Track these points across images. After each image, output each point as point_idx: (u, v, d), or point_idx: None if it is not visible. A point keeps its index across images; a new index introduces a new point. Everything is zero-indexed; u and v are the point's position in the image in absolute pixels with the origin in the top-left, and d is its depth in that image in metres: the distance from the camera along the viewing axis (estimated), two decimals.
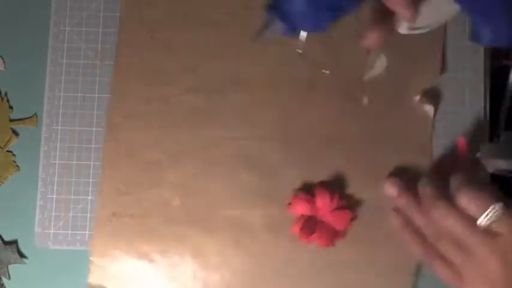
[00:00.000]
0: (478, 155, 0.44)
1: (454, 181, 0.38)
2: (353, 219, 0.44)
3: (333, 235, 0.43)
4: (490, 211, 0.36)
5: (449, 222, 0.37)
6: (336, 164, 0.45)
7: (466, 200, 0.37)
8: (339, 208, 0.43)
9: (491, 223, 0.36)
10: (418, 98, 0.46)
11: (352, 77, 0.46)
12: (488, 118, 0.46)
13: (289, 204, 0.44)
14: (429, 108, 0.46)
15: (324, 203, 0.43)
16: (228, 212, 0.45)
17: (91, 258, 0.45)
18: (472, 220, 0.36)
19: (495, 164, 0.43)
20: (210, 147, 0.46)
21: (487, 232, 0.36)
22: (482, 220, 0.36)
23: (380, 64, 0.46)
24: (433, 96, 0.46)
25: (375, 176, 0.45)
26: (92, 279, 0.45)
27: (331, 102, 0.46)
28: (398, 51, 0.46)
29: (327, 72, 0.45)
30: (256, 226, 0.45)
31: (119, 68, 0.46)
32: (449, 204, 0.38)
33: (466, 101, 0.46)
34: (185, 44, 0.47)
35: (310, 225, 0.43)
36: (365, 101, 0.46)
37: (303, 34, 0.37)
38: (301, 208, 0.43)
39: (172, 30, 0.47)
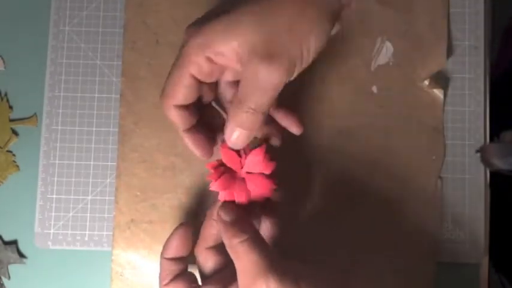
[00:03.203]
0: (478, 154, 0.44)
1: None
2: (274, 190, 0.39)
3: (248, 197, 0.38)
4: None
5: None
6: (349, 155, 0.45)
7: None
8: (264, 175, 0.38)
9: None
10: (426, 83, 0.46)
11: (360, 66, 0.46)
12: (488, 118, 0.46)
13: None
14: (439, 92, 0.46)
15: (254, 163, 0.38)
16: None
17: (112, 266, 0.45)
18: None
19: (495, 164, 0.43)
20: None
21: None
22: None
23: (386, 51, 0.46)
24: (441, 80, 0.46)
25: (391, 164, 0.45)
26: (114, 287, 0.45)
27: (340, 95, 0.46)
28: (404, 36, 0.46)
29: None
30: None
31: (127, 75, 0.46)
32: None
33: (466, 101, 0.46)
34: None
35: (229, 178, 0.38)
36: (374, 89, 0.46)
37: None
38: (226, 156, 0.38)
39: (177, 34, 0.47)
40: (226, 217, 0.36)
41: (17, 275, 0.46)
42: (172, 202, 0.45)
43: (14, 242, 0.46)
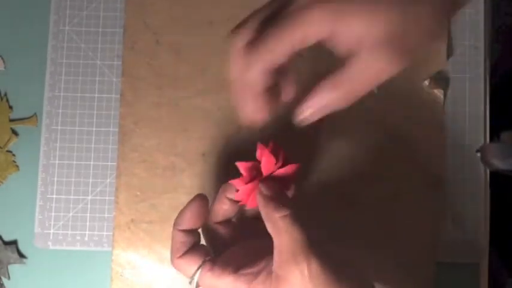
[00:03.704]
0: (478, 154, 0.44)
1: None
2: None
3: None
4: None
5: None
6: (349, 154, 0.45)
7: None
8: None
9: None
10: (427, 83, 0.46)
11: None
12: (488, 118, 0.46)
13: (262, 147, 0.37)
14: (439, 92, 0.46)
15: (283, 174, 0.37)
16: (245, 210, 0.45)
17: (112, 266, 0.45)
18: None
19: (495, 164, 0.43)
20: (222, 147, 0.46)
21: None
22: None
23: None
24: (441, 80, 0.46)
25: (390, 164, 0.45)
26: (114, 287, 0.45)
27: None
28: None
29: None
30: None
31: (127, 75, 0.46)
32: None
33: (466, 101, 0.46)
34: (191, 47, 0.47)
35: (257, 182, 0.37)
36: (374, 89, 0.46)
37: None
38: (266, 163, 0.37)
39: (177, 34, 0.47)
40: (267, 192, 0.35)
41: (17, 275, 0.46)
42: (172, 202, 0.45)
43: (14, 242, 0.46)
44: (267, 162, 0.37)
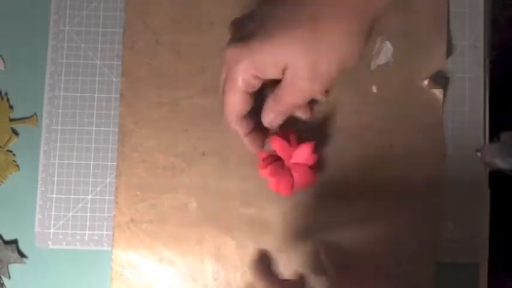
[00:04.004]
0: (479, 154, 0.44)
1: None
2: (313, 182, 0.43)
3: (293, 185, 0.43)
4: None
5: None
6: (349, 154, 0.45)
7: None
8: (311, 167, 0.43)
9: None
10: (426, 82, 0.46)
11: (360, 66, 0.46)
12: (488, 118, 0.46)
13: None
14: (438, 92, 0.46)
15: (301, 155, 0.43)
16: (246, 211, 0.45)
17: (112, 265, 0.45)
18: None
19: (495, 164, 0.43)
20: (222, 147, 0.46)
21: None
22: None
23: (386, 51, 0.46)
24: (440, 79, 0.46)
25: (390, 164, 0.45)
26: (114, 286, 0.45)
27: (340, 94, 0.46)
28: (403, 36, 0.46)
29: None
30: (274, 223, 0.45)
31: (127, 75, 0.46)
32: None
33: (466, 101, 0.46)
34: (191, 46, 0.47)
35: (277, 166, 0.43)
36: (374, 89, 0.46)
37: None
38: (278, 146, 0.42)
39: (177, 34, 0.47)
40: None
41: (17, 274, 0.46)
42: (172, 202, 0.46)
43: (14, 242, 0.46)
44: (279, 146, 0.42)
